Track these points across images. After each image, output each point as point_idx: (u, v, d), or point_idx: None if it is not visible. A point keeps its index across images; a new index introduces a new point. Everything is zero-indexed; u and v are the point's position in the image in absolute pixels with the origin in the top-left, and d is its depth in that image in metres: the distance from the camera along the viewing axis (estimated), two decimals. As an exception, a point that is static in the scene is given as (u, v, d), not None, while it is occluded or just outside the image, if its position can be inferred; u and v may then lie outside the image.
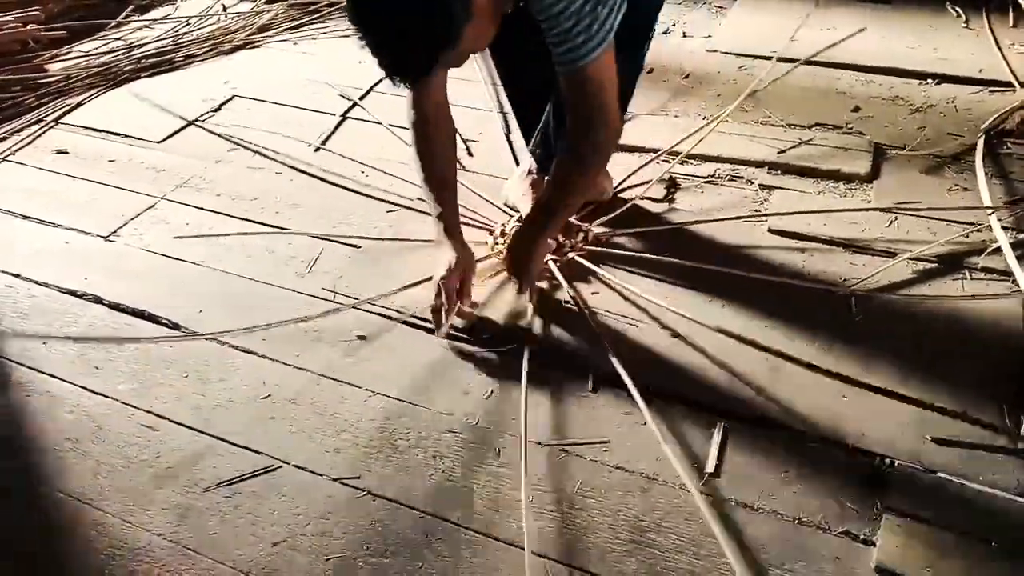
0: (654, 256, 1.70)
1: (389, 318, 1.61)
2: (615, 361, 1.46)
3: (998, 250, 1.64)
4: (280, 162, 2.12)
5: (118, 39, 2.93)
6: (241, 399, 1.45)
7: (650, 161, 2.00)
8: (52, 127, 2.39)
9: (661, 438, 1.32)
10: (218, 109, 2.43)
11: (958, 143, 2.03)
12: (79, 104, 2.50)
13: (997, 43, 2.48)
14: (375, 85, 2.50)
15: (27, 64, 2.70)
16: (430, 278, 1.54)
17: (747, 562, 1.14)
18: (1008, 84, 2.26)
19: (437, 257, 1.55)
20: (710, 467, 1.28)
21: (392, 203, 1.95)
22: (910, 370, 1.43)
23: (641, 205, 1.88)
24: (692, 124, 2.18)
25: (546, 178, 1.68)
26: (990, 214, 1.70)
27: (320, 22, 3.05)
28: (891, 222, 1.77)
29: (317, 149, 2.19)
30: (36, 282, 1.75)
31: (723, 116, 2.05)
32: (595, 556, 1.17)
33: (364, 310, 1.62)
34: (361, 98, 2.44)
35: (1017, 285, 1.56)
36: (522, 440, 1.32)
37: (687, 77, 2.45)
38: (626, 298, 1.62)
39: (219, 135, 2.27)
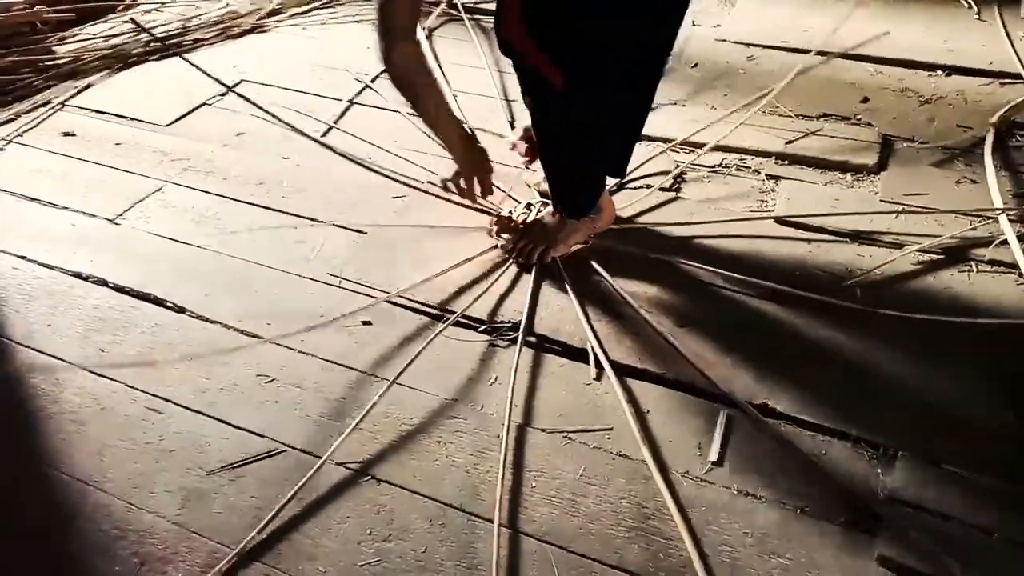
0: (658, 256, 1.69)
1: (394, 304, 1.61)
2: (599, 350, 1.46)
3: (1005, 242, 1.64)
4: (301, 132, 2.12)
5: (126, 22, 2.92)
6: (246, 382, 1.45)
7: (663, 151, 1.99)
8: (59, 109, 2.39)
9: (639, 436, 1.33)
10: (226, 93, 2.43)
11: (967, 135, 2.02)
12: (87, 86, 2.50)
13: (1008, 34, 2.46)
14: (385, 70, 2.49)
15: (35, 46, 2.69)
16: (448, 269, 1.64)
17: (749, 550, 1.15)
18: (1019, 76, 2.24)
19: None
20: (713, 455, 1.28)
21: (399, 190, 1.94)
22: (915, 361, 1.43)
23: (647, 194, 1.87)
24: (701, 114, 2.17)
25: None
26: (999, 214, 1.68)
27: (329, 7, 3.04)
28: (898, 214, 1.77)
29: (324, 134, 2.19)
30: (42, 264, 1.76)
31: (758, 106, 2.03)
32: (598, 543, 1.17)
33: (370, 296, 1.62)
34: (373, 80, 2.44)
35: (1023, 278, 1.56)
36: (506, 421, 1.35)
37: (695, 67, 2.43)
38: (627, 290, 1.62)
39: (250, 102, 2.27)
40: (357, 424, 1.35)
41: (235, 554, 1.17)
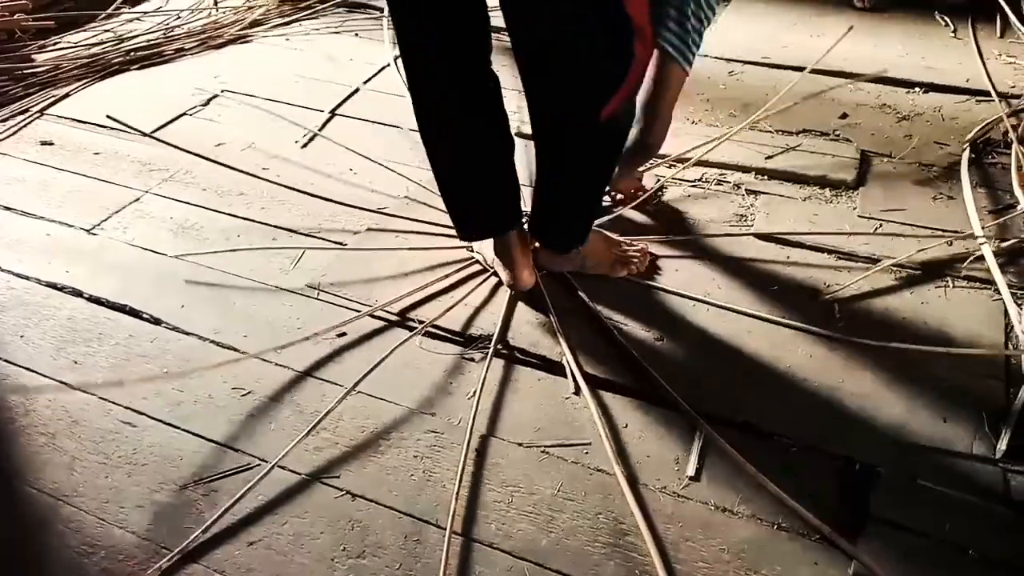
0: (636, 280, 1.69)
1: (373, 316, 1.60)
2: (572, 364, 1.46)
3: (980, 258, 1.65)
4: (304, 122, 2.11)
5: (107, 31, 2.91)
6: (221, 396, 1.44)
7: (648, 168, 1.99)
8: (37, 118, 2.37)
9: (610, 452, 1.32)
10: (207, 103, 2.42)
11: (944, 152, 2.04)
12: (66, 95, 2.48)
13: (980, 54, 2.50)
14: (369, 80, 2.49)
15: (14, 54, 2.67)
16: (431, 283, 1.63)
17: (726, 566, 1.15)
18: (1000, 96, 2.26)
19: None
20: (690, 471, 1.28)
21: (379, 202, 1.94)
22: (892, 377, 1.43)
23: (626, 208, 1.88)
24: (681, 128, 2.18)
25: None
26: (981, 243, 1.69)
27: (312, 18, 3.04)
28: (876, 228, 1.78)
29: (304, 145, 2.18)
30: (16, 274, 1.73)
31: (747, 122, 2.04)
32: (574, 560, 1.16)
33: (348, 308, 1.61)
34: (357, 90, 2.44)
35: (999, 293, 1.57)
36: (468, 433, 1.35)
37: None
38: (605, 305, 1.62)
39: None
40: (313, 428, 1.35)
41: (177, 552, 1.17)
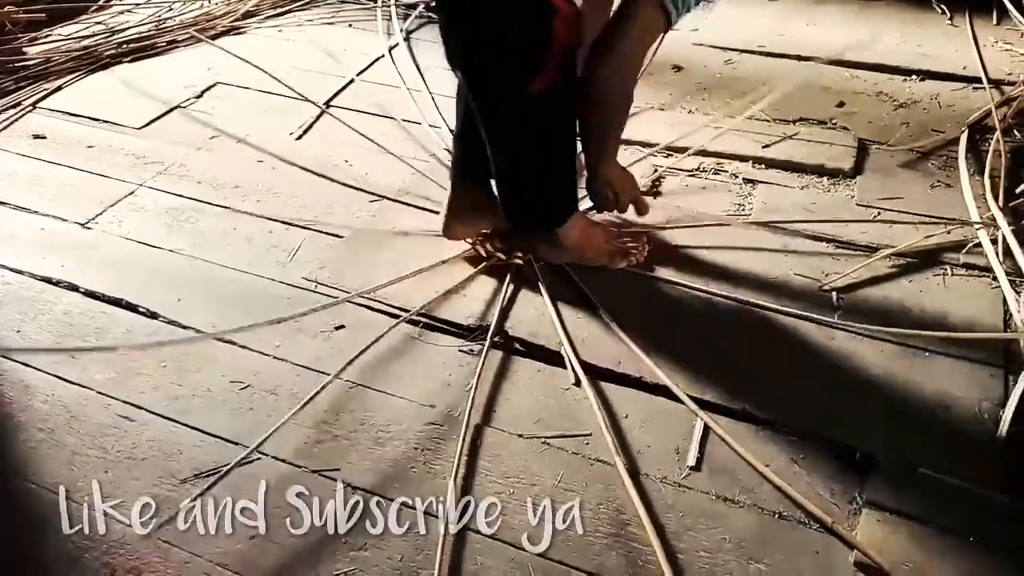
0: (636, 271, 1.68)
1: (371, 308, 1.59)
2: (571, 354, 1.46)
3: (978, 245, 1.66)
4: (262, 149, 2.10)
5: (99, 23, 2.88)
6: (219, 389, 1.43)
7: (645, 156, 1.99)
8: (29, 111, 2.35)
9: (610, 442, 1.32)
10: (200, 95, 2.40)
11: (941, 139, 2.04)
12: (58, 88, 2.46)
13: (976, 42, 2.49)
14: (363, 71, 2.48)
15: (5, 47, 2.65)
16: (420, 271, 1.60)
17: (727, 555, 1.15)
18: (991, 82, 2.26)
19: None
20: (691, 460, 1.28)
21: (375, 192, 1.93)
22: (891, 364, 1.43)
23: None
24: (678, 117, 2.17)
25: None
26: (978, 229, 1.69)
27: (305, 9, 3.02)
28: (874, 216, 1.78)
29: (299, 137, 2.17)
30: (10, 269, 1.72)
31: (747, 113, 2.03)
32: (575, 550, 1.16)
33: (350, 301, 1.60)
34: (350, 82, 2.43)
35: (997, 281, 1.57)
36: (464, 421, 1.35)
37: (680, 70, 2.43)
38: (604, 295, 1.61)
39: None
40: (299, 410, 1.36)
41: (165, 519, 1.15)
